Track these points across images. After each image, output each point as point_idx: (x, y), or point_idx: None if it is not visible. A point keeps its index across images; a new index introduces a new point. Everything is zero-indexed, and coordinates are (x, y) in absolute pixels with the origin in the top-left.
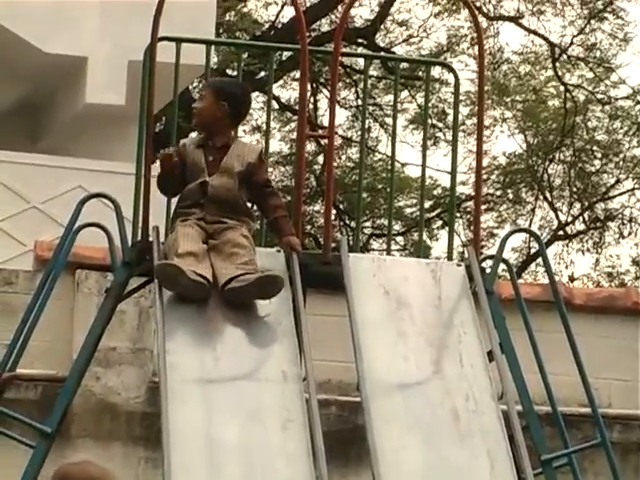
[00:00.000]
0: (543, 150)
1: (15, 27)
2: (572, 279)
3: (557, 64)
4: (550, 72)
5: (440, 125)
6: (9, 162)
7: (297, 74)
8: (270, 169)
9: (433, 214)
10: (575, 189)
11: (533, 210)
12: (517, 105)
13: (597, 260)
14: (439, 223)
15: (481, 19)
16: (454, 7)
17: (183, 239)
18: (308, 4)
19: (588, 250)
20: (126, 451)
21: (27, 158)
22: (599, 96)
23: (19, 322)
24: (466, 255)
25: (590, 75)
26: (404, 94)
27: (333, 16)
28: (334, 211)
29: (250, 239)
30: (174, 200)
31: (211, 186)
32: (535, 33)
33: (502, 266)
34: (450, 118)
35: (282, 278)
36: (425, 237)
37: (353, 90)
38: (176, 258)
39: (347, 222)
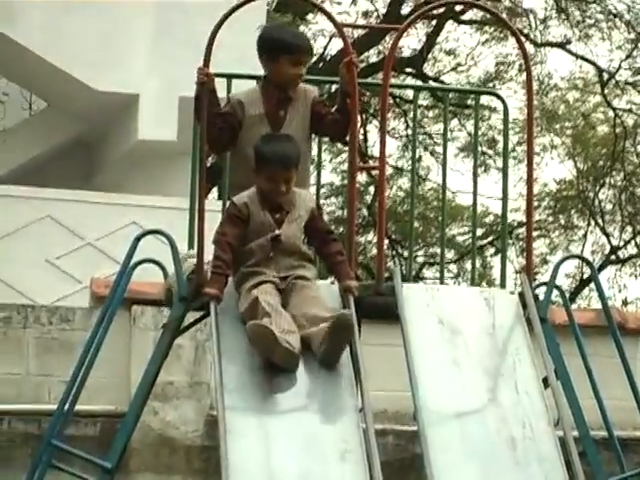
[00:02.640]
0: (593, 175)
1: (68, 67)
2: (625, 303)
3: (605, 89)
4: (598, 97)
5: (490, 152)
6: (64, 200)
7: None
8: (322, 200)
9: (485, 241)
10: (626, 213)
11: (585, 235)
12: (566, 131)
13: None
14: (492, 250)
15: (528, 46)
16: (501, 34)
17: (267, 307)
18: (356, 35)
19: None
20: None
21: (81, 196)
22: None
23: (77, 359)
24: (519, 282)
25: (638, 99)
26: (454, 122)
27: (381, 47)
28: (386, 241)
29: (317, 285)
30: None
31: (284, 236)
32: (583, 58)
33: (555, 292)
34: (500, 145)
35: (346, 314)
36: (478, 265)
37: (402, 120)
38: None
39: (399, 251)
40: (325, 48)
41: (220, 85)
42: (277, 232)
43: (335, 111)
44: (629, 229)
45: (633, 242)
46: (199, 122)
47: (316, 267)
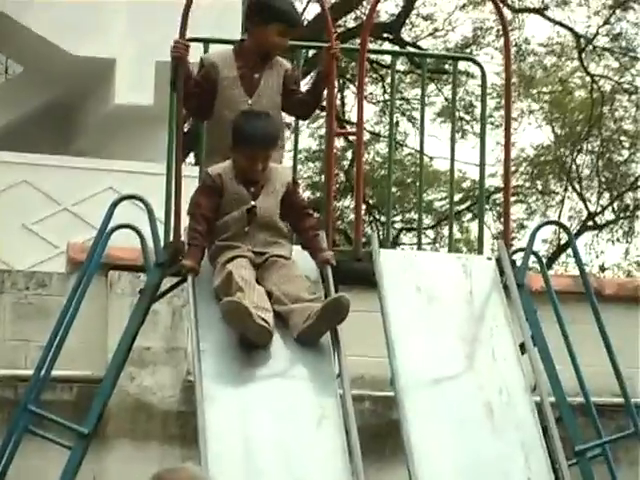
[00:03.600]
0: (571, 141)
1: (44, 31)
2: (603, 269)
3: (583, 55)
4: (575, 63)
5: (468, 118)
6: (40, 165)
7: None
8: (299, 166)
9: (463, 207)
10: (604, 179)
11: (562, 201)
12: (544, 97)
13: (627, 250)
14: (469, 216)
15: (506, 11)
16: (478, 0)
17: (241, 282)
18: (333, 0)
19: (618, 240)
20: (162, 450)
21: (58, 160)
22: (625, 86)
23: (54, 324)
24: (497, 248)
25: (615, 65)
26: (431, 87)
27: (358, 12)
28: (364, 207)
29: (296, 264)
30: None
31: (260, 208)
32: (560, 24)
33: (532, 258)
34: (477, 110)
35: (345, 299)
36: (456, 230)
37: (380, 85)
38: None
39: (377, 217)
40: (302, 12)
41: (197, 51)
42: (252, 203)
43: (306, 91)
44: (607, 195)
45: (610, 208)
46: (176, 93)
47: (291, 243)
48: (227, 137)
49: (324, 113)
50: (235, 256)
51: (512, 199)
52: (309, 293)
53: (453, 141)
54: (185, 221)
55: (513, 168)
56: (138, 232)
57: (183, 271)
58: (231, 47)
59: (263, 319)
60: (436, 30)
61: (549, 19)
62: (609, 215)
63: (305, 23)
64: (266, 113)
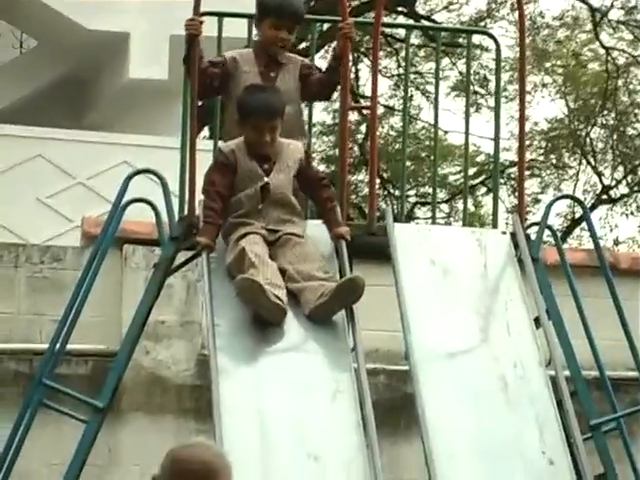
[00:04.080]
0: (585, 114)
1: (58, 5)
2: (617, 243)
3: (597, 28)
4: (589, 36)
5: (482, 92)
6: (54, 139)
7: None
8: (314, 139)
9: (477, 181)
10: (618, 152)
11: (577, 175)
12: (557, 70)
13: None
14: (483, 190)
15: None
16: None
17: (254, 258)
18: None
19: (632, 213)
20: (177, 424)
21: (72, 135)
22: None
23: (68, 298)
24: (511, 222)
25: (629, 37)
26: (445, 61)
27: None
28: (378, 180)
29: (310, 242)
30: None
31: (272, 185)
32: None
33: (547, 232)
34: (492, 84)
35: (360, 279)
36: (470, 204)
37: (394, 59)
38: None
39: (391, 191)
40: None
41: (211, 24)
42: (265, 180)
43: (323, 71)
44: (621, 169)
45: (624, 182)
46: (189, 72)
47: (305, 220)
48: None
49: (338, 87)
50: (248, 232)
51: (526, 173)
52: (323, 272)
53: (467, 115)
54: (200, 195)
55: (527, 142)
56: (152, 206)
57: (198, 248)
58: (251, 47)
59: (276, 296)
60: (450, 3)
61: None
62: (623, 189)
63: None
64: (271, 86)
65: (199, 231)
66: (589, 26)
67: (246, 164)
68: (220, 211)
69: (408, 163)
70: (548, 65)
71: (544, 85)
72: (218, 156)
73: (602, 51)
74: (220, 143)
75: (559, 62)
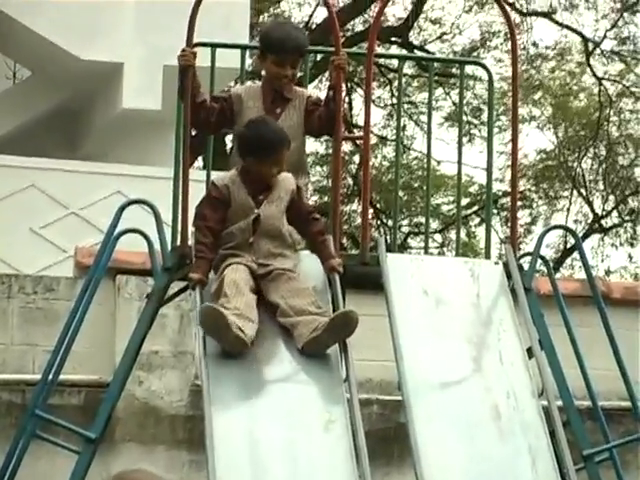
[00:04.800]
0: (575, 145)
1: (52, 35)
2: (608, 272)
3: (590, 59)
4: (579, 68)
5: (475, 122)
6: (48, 169)
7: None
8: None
9: (470, 211)
10: (609, 182)
11: (569, 206)
12: (548, 101)
13: (629, 254)
14: (476, 220)
15: (514, 15)
16: (485, 2)
17: (229, 287)
18: (341, 4)
19: (621, 244)
20: (170, 454)
21: (65, 165)
22: (633, 89)
23: (61, 328)
24: (504, 252)
25: (619, 68)
26: (438, 91)
27: (366, 15)
28: (371, 211)
29: (303, 275)
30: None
31: (264, 216)
32: (568, 27)
33: (539, 262)
34: (485, 114)
35: (354, 313)
36: (463, 234)
37: (387, 89)
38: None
39: (384, 221)
40: (310, 17)
41: (205, 54)
42: (256, 211)
43: (322, 106)
44: (612, 198)
45: (615, 211)
46: (183, 101)
47: (296, 252)
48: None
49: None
50: (234, 263)
51: (518, 204)
52: (316, 307)
53: (460, 145)
54: (192, 225)
55: (519, 173)
56: (145, 236)
57: (190, 284)
58: (259, 82)
59: (240, 328)
60: (444, 34)
61: (557, 22)
62: (615, 219)
63: (314, 27)
64: (272, 120)
65: (191, 267)
66: (581, 56)
67: (240, 197)
68: (212, 246)
69: (401, 193)
70: (537, 97)
71: (532, 117)
72: (211, 190)
73: (591, 81)
74: (214, 176)
75: (549, 93)
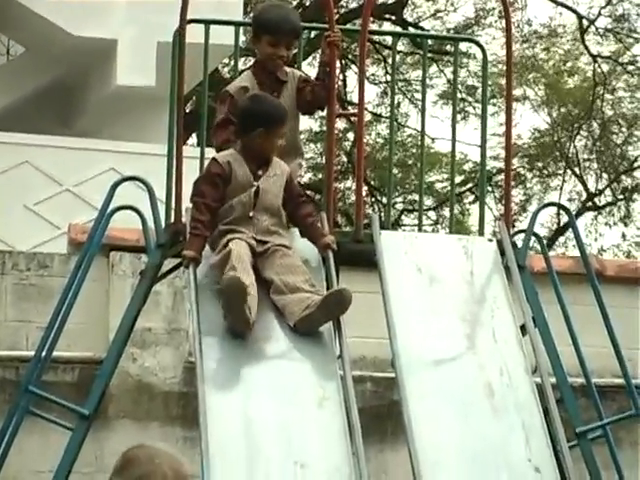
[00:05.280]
0: (569, 123)
1: (46, 12)
2: (602, 251)
3: (585, 36)
4: (574, 46)
5: (469, 99)
6: (42, 145)
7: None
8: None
9: (464, 189)
10: (602, 161)
11: (562, 183)
12: (541, 80)
13: (623, 233)
14: (471, 198)
15: None
16: None
17: (236, 262)
18: None
19: (615, 223)
20: (164, 431)
21: (59, 141)
22: (629, 67)
23: (55, 305)
24: (498, 229)
25: (613, 48)
26: (433, 69)
27: None
28: (365, 188)
29: (297, 254)
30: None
31: (262, 190)
32: (563, 5)
33: (533, 239)
34: (479, 92)
35: (348, 291)
36: (457, 212)
37: (382, 66)
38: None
39: (378, 198)
40: None
41: (199, 31)
42: (255, 184)
43: (314, 82)
44: (605, 177)
45: (609, 190)
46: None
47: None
48: None
49: None
50: (237, 238)
51: (513, 182)
52: (309, 285)
53: (454, 123)
54: (186, 202)
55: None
56: (139, 213)
57: (184, 261)
58: (250, 70)
59: (249, 308)
60: (438, 11)
61: (552, 0)
62: (609, 197)
63: (307, 4)
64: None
65: (185, 243)
66: (576, 34)
67: (240, 174)
68: (208, 223)
69: (395, 171)
70: (531, 76)
71: (525, 98)
72: (212, 166)
73: (585, 60)
74: (208, 153)
75: (543, 72)
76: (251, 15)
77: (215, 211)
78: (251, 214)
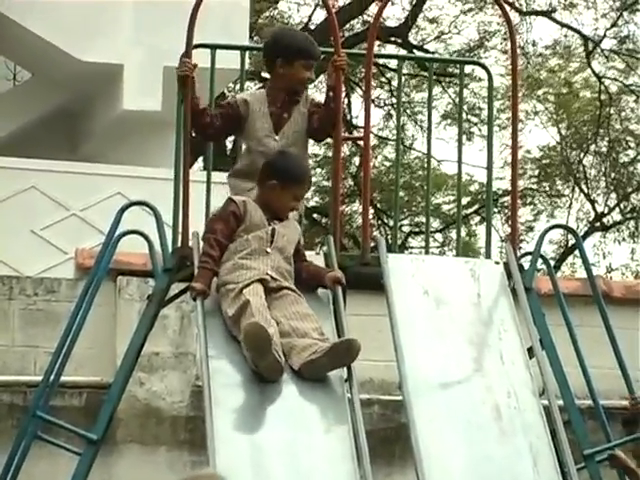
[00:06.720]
0: (577, 142)
1: (52, 37)
2: (610, 270)
3: (590, 57)
4: (578, 64)
5: (474, 120)
6: (48, 170)
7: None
8: None
9: (470, 210)
10: (611, 179)
11: (570, 204)
12: (549, 98)
13: (632, 250)
14: (477, 219)
15: (513, 14)
16: (483, 3)
17: (257, 313)
18: (340, 3)
19: (624, 240)
20: (171, 455)
21: (66, 166)
22: (633, 88)
23: (62, 330)
24: (504, 251)
25: (621, 66)
26: (436, 89)
27: (366, 16)
28: (372, 210)
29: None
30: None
31: (278, 234)
32: (568, 27)
33: (540, 261)
34: (484, 112)
35: (357, 342)
36: (463, 234)
37: (386, 88)
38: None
39: (385, 221)
40: (310, 17)
41: (205, 55)
42: (273, 226)
43: (323, 105)
44: (613, 196)
45: (617, 209)
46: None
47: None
48: (254, 164)
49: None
50: (251, 282)
51: (519, 202)
52: (318, 334)
53: (460, 144)
54: (193, 226)
55: (520, 171)
56: (146, 238)
57: (192, 294)
58: (264, 89)
59: (277, 352)
60: (442, 33)
61: (556, 21)
62: (616, 216)
63: (313, 27)
64: (297, 155)
65: (195, 276)
66: (581, 55)
67: (256, 217)
68: (217, 259)
69: (401, 193)
70: (540, 93)
71: (536, 113)
72: (228, 205)
73: (593, 79)
74: (214, 177)
75: (551, 90)
76: (265, 40)
77: (224, 247)
78: (268, 250)
